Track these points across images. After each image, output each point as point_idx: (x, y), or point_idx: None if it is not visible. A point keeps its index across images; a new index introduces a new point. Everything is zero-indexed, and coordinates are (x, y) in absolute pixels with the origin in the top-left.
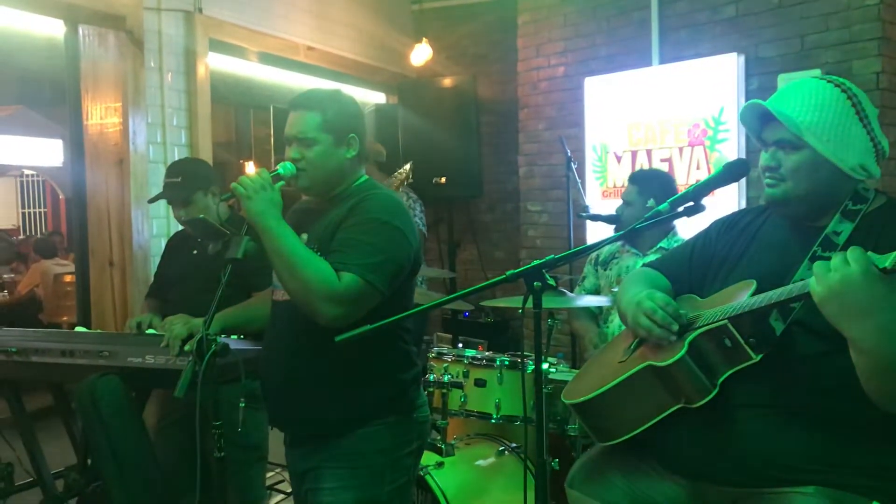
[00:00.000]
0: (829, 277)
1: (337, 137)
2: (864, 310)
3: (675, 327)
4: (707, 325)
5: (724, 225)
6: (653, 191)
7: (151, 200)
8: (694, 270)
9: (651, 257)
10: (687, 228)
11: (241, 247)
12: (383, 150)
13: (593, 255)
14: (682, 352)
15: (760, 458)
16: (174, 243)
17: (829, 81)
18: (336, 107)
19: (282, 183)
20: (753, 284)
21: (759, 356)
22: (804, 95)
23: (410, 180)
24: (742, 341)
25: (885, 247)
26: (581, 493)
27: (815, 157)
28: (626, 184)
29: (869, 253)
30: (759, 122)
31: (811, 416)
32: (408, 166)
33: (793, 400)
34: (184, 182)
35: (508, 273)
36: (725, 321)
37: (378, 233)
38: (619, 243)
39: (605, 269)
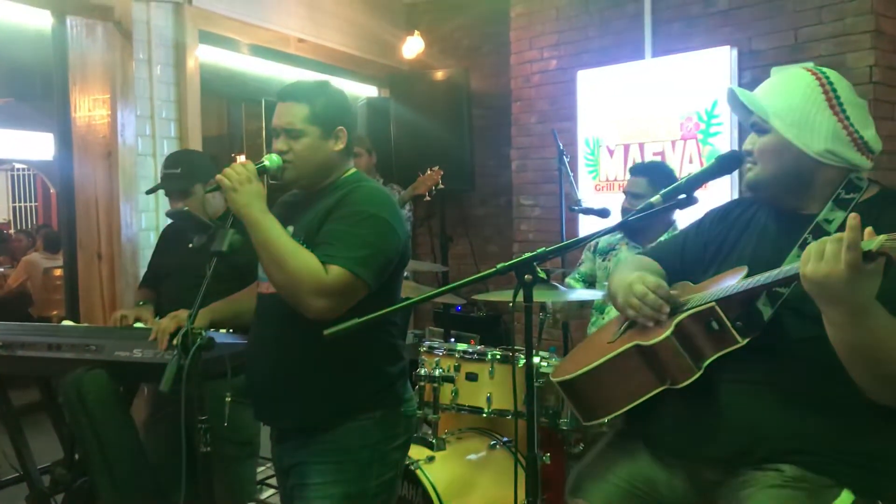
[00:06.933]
0: (818, 266)
1: (324, 130)
2: (842, 298)
3: (667, 309)
4: (695, 307)
5: (718, 215)
6: (663, 183)
7: (149, 191)
8: (686, 260)
9: None
10: (686, 222)
11: (227, 239)
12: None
13: (592, 243)
14: (669, 332)
15: (747, 438)
16: (169, 235)
17: (807, 69)
18: (324, 99)
19: (268, 175)
20: (745, 270)
21: (746, 340)
22: (777, 82)
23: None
24: (729, 324)
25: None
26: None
27: (780, 140)
28: (623, 177)
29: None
30: (745, 110)
31: (801, 399)
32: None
33: (782, 383)
34: (183, 173)
35: (499, 266)
36: (713, 303)
37: (366, 225)
38: (618, 236)
39: (602, 260)
